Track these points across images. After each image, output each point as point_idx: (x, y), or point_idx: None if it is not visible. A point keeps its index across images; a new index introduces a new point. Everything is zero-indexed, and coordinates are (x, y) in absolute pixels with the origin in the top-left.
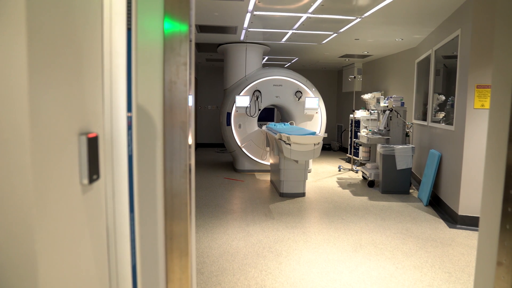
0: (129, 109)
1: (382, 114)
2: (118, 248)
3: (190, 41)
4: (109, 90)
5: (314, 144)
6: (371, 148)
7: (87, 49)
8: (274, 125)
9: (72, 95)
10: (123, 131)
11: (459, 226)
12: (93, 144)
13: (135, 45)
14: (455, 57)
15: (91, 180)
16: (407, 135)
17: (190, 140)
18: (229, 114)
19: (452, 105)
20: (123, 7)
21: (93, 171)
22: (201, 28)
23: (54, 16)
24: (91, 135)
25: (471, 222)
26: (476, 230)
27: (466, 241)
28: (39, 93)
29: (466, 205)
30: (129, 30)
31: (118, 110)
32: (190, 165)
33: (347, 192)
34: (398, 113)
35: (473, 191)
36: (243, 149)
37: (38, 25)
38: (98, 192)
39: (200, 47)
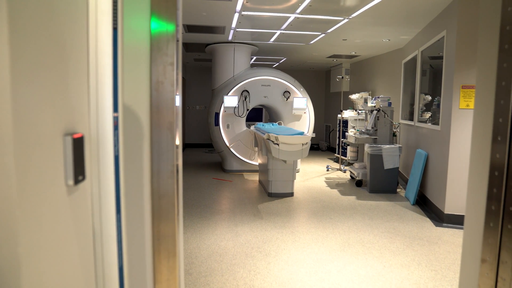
0: (115, 109)
1: (369, 114)
2: (104, 249)
3: (177, 41)
4: (95, 90)
5: (302, 144)
6: (358, 148)
7: (73, 48)
8: (262, 125)
9: (57, 95)
10: (109, 131)
11: (445, 224)
12: (78, 145)
13: (121, 45)
14: (441, 58)
15: (77, 181)
16: (394, 135)
17: (178, 141)
18: (217, 114)
19: (438, 105)
20: (109, 6)
21: (79, 172)
22: (189, 28)
23: (38, 15)
24: (76, 136)
25: (457, 221)
26: (462, 228)
27: (452, 239)
28: (22, 92)
29: (452, 203)
30: (115, 29)
31: (104, 110)
32: (177, 165)
33: (335, 191)
34: (385, 113)
35: (458, 190)
36: (232, 149)
37: (21, 24)
38: (84, 193)
39: (188, 47)
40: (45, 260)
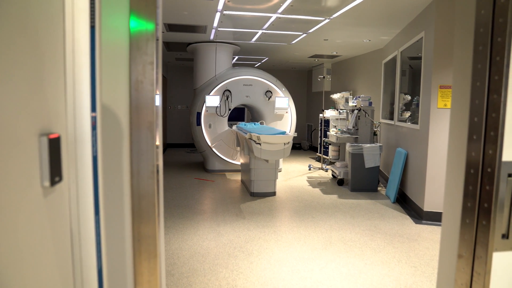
0: (93, 109)
1: (350, 113)
2: (83, 252)
3: (157, 40)
4: (72, 90)
5: (284, 144)
6: (340, 147)
7: (48, 46)
8: (245, 124)
9: (32, 94)
10: (87, 131)
11: (425, 221)
12: (54, 145)
13: (99, 43)
14: (420, 58)
15: (53, 182)
16: (375, 134)
17: (158, 141)
18: (199, 114)
19: (417, 105)
20: (86, 3)
21: (55, 173)
22: (170, 27)
23: (11, 11)
24: (52, 136)
25: (435, 218)
26: (440, 225)
27: (431, 236)
28: None
29: (431, 201)
30: (92, 27)
31: (81, 110)
32: (157, 165)
33: (317, 190)
34: (366, 112)
35: (437, 188)
36: (214, 149)
37: None
38: (61, 195)
39: (169, 46)
40: (20, 264)
